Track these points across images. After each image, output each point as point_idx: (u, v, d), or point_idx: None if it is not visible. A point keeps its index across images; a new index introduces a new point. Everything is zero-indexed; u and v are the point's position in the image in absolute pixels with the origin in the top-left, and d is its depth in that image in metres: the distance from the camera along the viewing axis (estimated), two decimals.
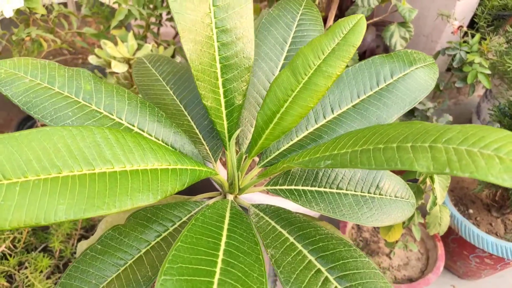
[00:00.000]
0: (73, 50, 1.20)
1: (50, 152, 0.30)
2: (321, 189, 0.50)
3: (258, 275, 0.34)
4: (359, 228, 1.11)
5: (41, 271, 0.77)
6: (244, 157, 0.51)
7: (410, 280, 0.97)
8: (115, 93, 0.45)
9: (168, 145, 0.46)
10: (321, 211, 0.48)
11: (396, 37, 0.86)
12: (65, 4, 1.35)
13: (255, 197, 0.60)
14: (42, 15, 1.06)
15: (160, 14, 1.05)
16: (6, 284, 0.73)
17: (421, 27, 1.30)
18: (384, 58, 0.54)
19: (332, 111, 0.52)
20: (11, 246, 0.81)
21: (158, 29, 1.10)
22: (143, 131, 0.45)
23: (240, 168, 0.50)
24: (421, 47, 1.33)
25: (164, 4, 1.01)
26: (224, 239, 0.36)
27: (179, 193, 0.49)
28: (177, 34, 1.11)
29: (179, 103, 0.54)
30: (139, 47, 0.92)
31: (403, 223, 0.88)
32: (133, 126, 0.45)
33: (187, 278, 0.31)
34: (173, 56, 0.94)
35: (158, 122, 0.46)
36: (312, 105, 0.44)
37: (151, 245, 0.42)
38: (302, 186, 0.50)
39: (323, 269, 0.39)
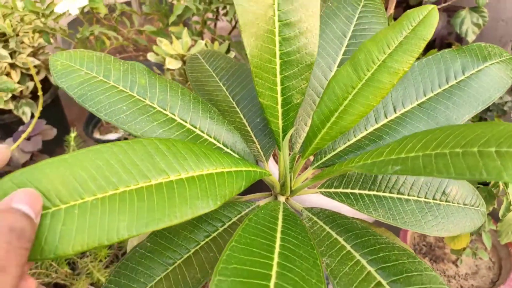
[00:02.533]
0: (135, 47, 1.23)
1: (104, 169, 0.30)
2: (380, 193, 0.47)
3: (316, 281, 0.31)
4: None
5: (100, 260, 0.79)
6: (297, 157, 0.49)
7: None
8: (169, 88, 0.44)
9: (220, 143, 0.45)
10: (380, 217, 0.45)
11: (467, 23, 0.79)
12: (128, 3, 1.38)
13: (308, 199, 0.57)
14: (106, 14, 1.09)
15: (217, 9, 1.05)
16: (69, 271, 0.76)
17: (499, 11, 1.19)
18: (455, 52, 0.49)
19: (395, 110, 0.48)
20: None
21: (215, 24, 1.09)
22: (195, 127, 0.44)
23: (292, 169, 0.47)
24: (499, 34, 1.22)
25: None
26: (278, 241, 0.34)
27: None
28: (233, 29, 1.10)
29: (231, 99, 0.53)
30: (194, 43, 0.91)
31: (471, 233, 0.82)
32: (186, 122, 0.44)
33: (242, 280, 0.29)
34: (227, 51, 0.93)
35: (211, 118, 0.45)
36: (374, 104, 0.41)
37: (200, 245, 0.40)
38: (359, 189, 0.47)
39: (384, 282, 0.36)
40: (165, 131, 0.42)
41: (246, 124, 0.51)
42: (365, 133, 0.48)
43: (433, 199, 0.47)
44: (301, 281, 0.30)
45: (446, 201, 0.47)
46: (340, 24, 0.52)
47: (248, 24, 0.39)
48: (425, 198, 0.47)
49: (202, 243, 0.41)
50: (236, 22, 1.05)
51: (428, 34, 0.39)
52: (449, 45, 0.97)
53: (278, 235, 0.35)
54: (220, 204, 0.34)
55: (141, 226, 0.29)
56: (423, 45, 0.40)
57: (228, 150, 0.45)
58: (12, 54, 1.05)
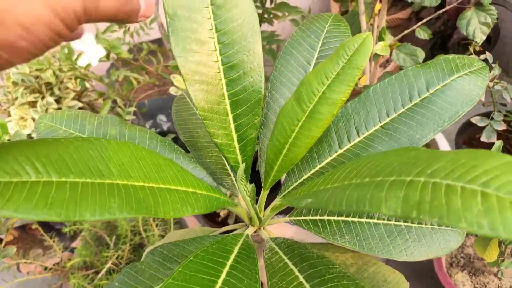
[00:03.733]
0: (161, 82, 1.32)
1: (92, 160, 0.32)
2: (349, 218, 0.47)
3: None
4: None
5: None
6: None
7: None
8: (137, 135, 0.49)
9: None
10: (346, 243, 0.45)
11: (474, 24, 0.74)
12: (160, 39, 1.49)
13: (278, 229, 0.58)
14: (134, 55, 1.19)
15: None
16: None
17: None
18: (419, 68, 0.48)
19: (358, 134, 0.48)
20: (117, 262, 0.92)
21: None
22: None
23: (259, 201, 0.49)
24: None
25: None
26: (223, 276, 0.37)
27: (212, 223, 0.50)
28: None
29: (209, 135, 0.56)
30: None
31: (503, 241, 0.76)
32: None
33: None
34: None
35: (177, 159, 0.49)
36: (317, 135, 0.42)
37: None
38: (327, 216, 0.47)
39: None
40: None
41: (223, 157, 0.54)
42: (329, 159, 0.48)
43: (404, 221, 0.46)
44: None
45: (418, 223, 0.46)
46: (304, 53, 0.53)
47: (191, 73, 0.43)
48: (395, 221, 0.46)
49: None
50: None
51: (363, 62, 0.40)
52: (466, 47, 0.92)
53: (226, 269, 0.38)
54: (198, 213, 0.37)
55: (130, 210, 0.30)
56: (358, 74, 0.40)
57: None
58: (59, 99, 1.18)
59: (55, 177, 0.29)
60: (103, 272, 0.80)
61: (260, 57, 0.45)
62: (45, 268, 0.77)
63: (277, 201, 0.48)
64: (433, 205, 0.23)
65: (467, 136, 1.05)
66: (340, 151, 0.48)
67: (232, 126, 0.46)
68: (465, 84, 0.46)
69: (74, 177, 0.30)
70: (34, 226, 0.98)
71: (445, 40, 1.23)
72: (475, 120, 0.82)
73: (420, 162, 0.27)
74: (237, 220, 0.75)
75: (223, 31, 0.43)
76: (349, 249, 0.49)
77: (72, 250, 0.87)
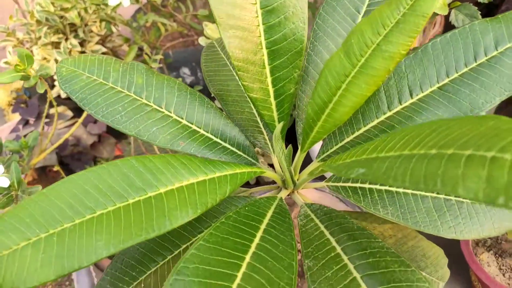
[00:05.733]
0: (190, 32, 1.26)
1: (81, 196, 0.31)
2: (393, 188, 0.42)
3: (285, 283, 0.30)
4: None
5: None
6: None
7: None
8: (165, 85, 0.45)
9: (217, 137, 0.44)
10: (389, 215, 0.41)
11: None
12: None
13: (313, 194, 0.54)
14: (163, 1, 1.13)
15: None
16: None
17: None
18: (488, 23, 0.41)
19: (411, 95, 0.42)
20: None
21: None
22: (191, 123, 0.44)
23: (294, 163, 0.45)
24: None
25: None
26: (256, 240, 0.34)
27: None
28: None
29: (243, 89, 0.52)
30: None
31: None
32: (182, 118, 0.44)
33: (201, 281, 0.29)
34: None
35: (207, 113, 0.45)
36: (368, 94, 0.37)
37: (192, 241, 0.41)
38: (369, 184, 0.43)
39: None
40: (159, 129, 0.43)
41: (256, 114, 0.49)
42: (376, 122, 0.43)
43: (455, 196, 0.41)
44: (267, 283, 0.30)
45: None
46: None
47: (225, 16, 0.37)
48: (445, 195, 0.41)
49: (194, 239, 0.41)
50: None
51: (429, 9, 0.34)
52: None
53: (259, 233, 0.35)
54: (201, 212, 0.34)
55: (117, 242, 0.30)
56: (423, 23, 0.34)
57: (226, 144, 0.45)
58: (83, 42, 1.14)
59: (43, 233, 0.29)
60: None
61: (304, 0, 0.39)
62: None
63: (314, 166, 0.44)
64: None
65: (507, 113, 0.97)
66: (389, 114, 0.43)
67: (269, 79, 0.41)
68: None
69: (60, 225, 0.30)
70: (55, 168, 0.98)
71: (491, 11, 1.12)
72: None
73: (504, 134, 0.22)
74: (268, 182, 0.72)
75: None
76: (387, 220, 0.45)
77: None
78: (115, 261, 0.41)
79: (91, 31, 1.16)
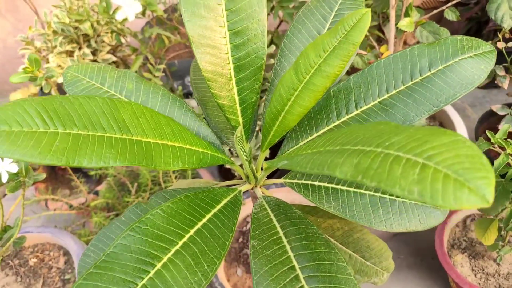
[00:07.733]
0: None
1: (95, 115, 0.38)
2: (338, 186, 0.50)
3: (214, 256, 0.38)
4: (465, 227, 0.99)
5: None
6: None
7: None
8: (151, 91, 0.53)
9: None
10: (331, 209, 0.48)
11: (503, 9, 0.72)
12: None
13: (282, 190, 0.61)
14: (168, 15, 1.22)
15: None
16: None
17: None
18: (425, 47, 0.48)
19: (356, 107, 0.50)
20: None
21: None
22: None
23: (257, 161, 0.53)
24: None
25: None
26: (204, 220, 0.42)
27: (224, 179, 0.54)
28: (279, 25, 1.14)
29: (212, 96, 0.60)
30: None
31: (504, 227, 0.77)
32: None
33: (148, 240, 0.37)
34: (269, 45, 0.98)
35: (185, 115, 0.53)
36: (310, 105, 0.44)
37: None
38: (319, 181, 0.50)
39: (297, 266, 0.40)
40: None
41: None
42: (326, 128, 0.51)
43: (389, 195, 0.48)
44: (199, 253, 0.37)
45: (402, 198, 0.48)
46: (316, 23, 0.54)
47: (197, 36, 0.46)
48: (381, 193, 0.48)
49: None
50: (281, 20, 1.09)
51: (359, 38, 0.41)
52: None
53: (209, 215, 0.43)
54: (187, 167, 0.42)
55: (123, 159, 0.36)
56: (353, 50, 0.41)
57: None
58: (95, 52, 1.24)
59: (60, 129, 0.34)
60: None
61: (264, 25, 0.47)
62: (70, 206, 0.86)
63: (266, 163, 0.52)
64: (377, 172, 0.26)
65: (488, 125, 1.03)
66: (337, 122, 0.50)
67: (235, 89, 0.49)
68: (468, 66, 0.46)
69: (77, 130, 0.35)
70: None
71: (481, 27, 1.18)
72: (496, 108, 0.80)
73: (384, 135, 0.30)
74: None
75: None
76: (336, 215, 0.52)
77: (96, 193, 0.95)
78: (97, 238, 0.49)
79: (103, 42, 1.26)
